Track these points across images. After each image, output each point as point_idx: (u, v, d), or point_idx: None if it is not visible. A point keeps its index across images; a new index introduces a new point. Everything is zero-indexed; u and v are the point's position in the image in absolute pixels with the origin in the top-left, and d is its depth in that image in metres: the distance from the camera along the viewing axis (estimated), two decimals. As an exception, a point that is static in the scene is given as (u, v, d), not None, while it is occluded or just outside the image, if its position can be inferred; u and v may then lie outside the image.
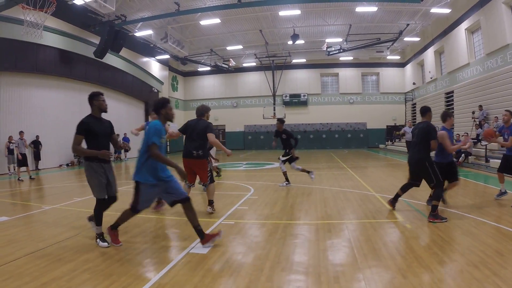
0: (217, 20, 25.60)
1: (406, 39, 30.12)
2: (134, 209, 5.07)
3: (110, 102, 24.80)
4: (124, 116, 27.83)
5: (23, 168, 15.36)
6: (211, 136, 6.99)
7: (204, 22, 25.97)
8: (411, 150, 7.15)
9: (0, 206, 8.68)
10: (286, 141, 11.12)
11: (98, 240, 5.37)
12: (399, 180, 11.93)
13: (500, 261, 4.37)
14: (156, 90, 32.71)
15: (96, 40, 22.12)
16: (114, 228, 5.34)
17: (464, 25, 23.00)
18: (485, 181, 12.46)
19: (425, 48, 30.65)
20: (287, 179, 11.39)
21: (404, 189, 7.30)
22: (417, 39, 30.35)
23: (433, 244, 5.21)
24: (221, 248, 5.18)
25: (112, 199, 5.54)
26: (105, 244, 5.26)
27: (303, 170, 11.35)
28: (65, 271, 4.29)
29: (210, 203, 7.46)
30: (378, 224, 6.47)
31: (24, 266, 4.51)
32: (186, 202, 5.10)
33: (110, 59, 24.86)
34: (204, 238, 5.17)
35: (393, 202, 7.41)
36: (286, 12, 24.43)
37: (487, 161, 15.94)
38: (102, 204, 5.42)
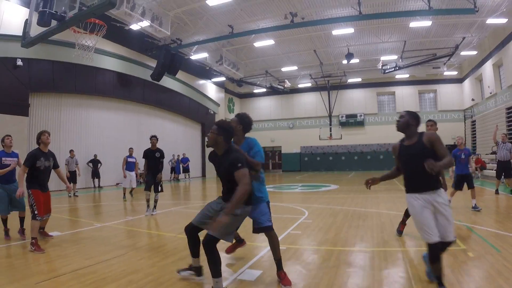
0: (271, 42, 25.77)
1: (462, 53, 28.77)
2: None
3: (167, 123, 25.71)
4: (181, 137, 28.57)
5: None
6: None
7: (258, 44, 26.24)
8: None
9: (53, 221, 8.83)
10: None
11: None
12: (461, 202, 11.18)
13: None
14: (212, 112, 33.28)
15: (153, 63, 22.93)
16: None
17: None
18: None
19: (482, 62, 29.08)
20: None
21: None
22: (474, 52, 28.94)
23: (497, 275, 4.68)
24: (270, 275, 4.81)
25: None
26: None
27: None
28: (107, 291, 4.15)
29: None
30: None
31: (68, 282, 4.44)
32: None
33: (167, 81, 25.63)
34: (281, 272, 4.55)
35: None
36: (340, 31, 24.07)
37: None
38: None
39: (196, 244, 4.50)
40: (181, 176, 27.45)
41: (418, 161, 3.85)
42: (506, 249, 5.88)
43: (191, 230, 4.50)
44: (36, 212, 6.24)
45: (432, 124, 7.37)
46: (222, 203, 4.31)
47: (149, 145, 10.18)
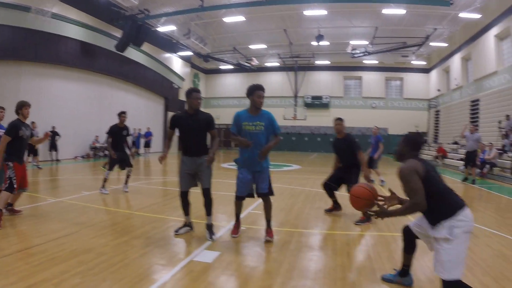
0: (241, 18, 25.09)
1: (432, 44, 29.21)
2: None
3: (130, 96, 24.94)
4: (144, 110, 27.83)
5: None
6: None
7: (228, 19, 25.51)
8: None
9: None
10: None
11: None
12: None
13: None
14: (177, 86, 32.65)
15: (118, 34, 22.06)
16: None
17: (494, 31, 22.10)
18: (511, 195, 11.84)
19: (451, 54, 29.72)
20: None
21: None
22: (444, 44, 29.43)
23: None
24: (228, 257, 4.73)
25: None
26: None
27: None
28: (55, 273, 3.92)
29: None
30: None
31: (14, 263, 4.18)
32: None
33: (132, 53, 24.81)
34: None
35: None
36: (312, 12, 23.75)
37: (513, 173, 15.24)
38: None
39: (189, 205, 5.68)
40: (141, 150, 26.83)
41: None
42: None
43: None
44: (15, 185, 6.08)
45: (339, 123, 7.70)
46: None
47: (112, 118, 9.72)
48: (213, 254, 4.78)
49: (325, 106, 37.96)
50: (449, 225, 3.17)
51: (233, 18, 25.20)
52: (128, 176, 9.85)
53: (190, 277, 4.02)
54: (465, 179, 14.48)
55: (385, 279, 4.03)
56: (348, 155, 7.44)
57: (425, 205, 3.24)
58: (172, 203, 8.27)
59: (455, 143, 25.47)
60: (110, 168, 9.52)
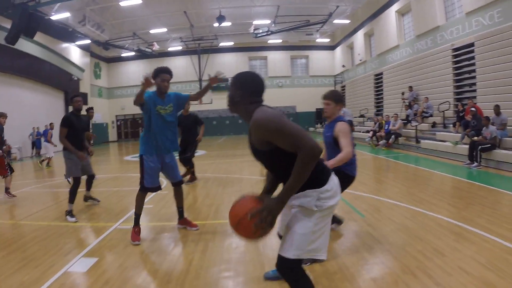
0: (138, 1, 23.91)
1: (336, 21, 30.14)
2: None
3: (25, 93, 22.92)
4: (41, 106, 25.71)
5: None
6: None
7: (124, 3, 24.24)
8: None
9: None
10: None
11: (67, 216, 6.50)
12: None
13: (442, 264, 3.87)
14: (76, 78, 30.51)
15: (8, 24, 19.85)
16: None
17: (395, 7, 23.38)
18: (416, 163, 12.42)
19: (355, 31, 30.95)
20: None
21: None
22: (347, 21, 30.48)
23: (360, 245, 4.65)
24: (105, 264, 4.46)
25: None
26: (73, 219, 6.42)
27: None
28: None
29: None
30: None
31: None
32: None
33: (24, 45, 22.65)
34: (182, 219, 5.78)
35: None
36: (211, -9, 23.25)
37: (417, 142, 16.08)
38: None
39: None
40: (43, 151, 24.66)
41: None
42: (371, 213, 5.98)
43: None
44: None
45: None
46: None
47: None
48: (89, 261, 4.51)
49: (231, 88, 37.60)
50: (316, 195, 2.37)
51: (130, 2, 23.99)
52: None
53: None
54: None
55: (267, 277, 3.78)
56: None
57: (321, 148, 2.23)
58: (59, 208, 7.58)
59: (362, 116, 26.48)
60: None
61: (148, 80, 4.67)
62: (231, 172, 11.77)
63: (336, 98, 4.59)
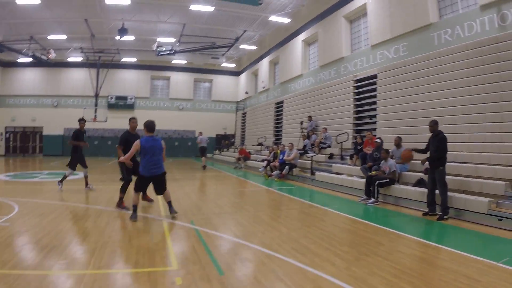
0: (36, 0, 21.13)
1: (242, 46, 29.70)
2: None
3: None
4: None
5: None
6: None
7: (20, 1, 21.18)
8: None
9: None
10: None
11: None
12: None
13: None
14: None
15: None
16: None
17: (302, 36, 23.60)
18: (309, 198, 11.71)
19: (261, 58, 30.88)
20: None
21: None
22: (254, 47, 30.31)
23: None
24: None
25: None
26: None
27: None
28: None
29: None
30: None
31: None
32: None
33: None
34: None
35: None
36: (114, 1, 21.33)
37: (312, 173, 15.48)
38: None
39: None
40: None
41: None
42: (233, 269, 4.85)
43: None
44: None
45: (134, 121, 9.19)
46: None
47: None
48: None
49: (130, 107, 35.87)
50: None
51: (27, 0, 21.23)
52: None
53: None
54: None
55: None
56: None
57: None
58: None
59: (260, 144, 25.92)
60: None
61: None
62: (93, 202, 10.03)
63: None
